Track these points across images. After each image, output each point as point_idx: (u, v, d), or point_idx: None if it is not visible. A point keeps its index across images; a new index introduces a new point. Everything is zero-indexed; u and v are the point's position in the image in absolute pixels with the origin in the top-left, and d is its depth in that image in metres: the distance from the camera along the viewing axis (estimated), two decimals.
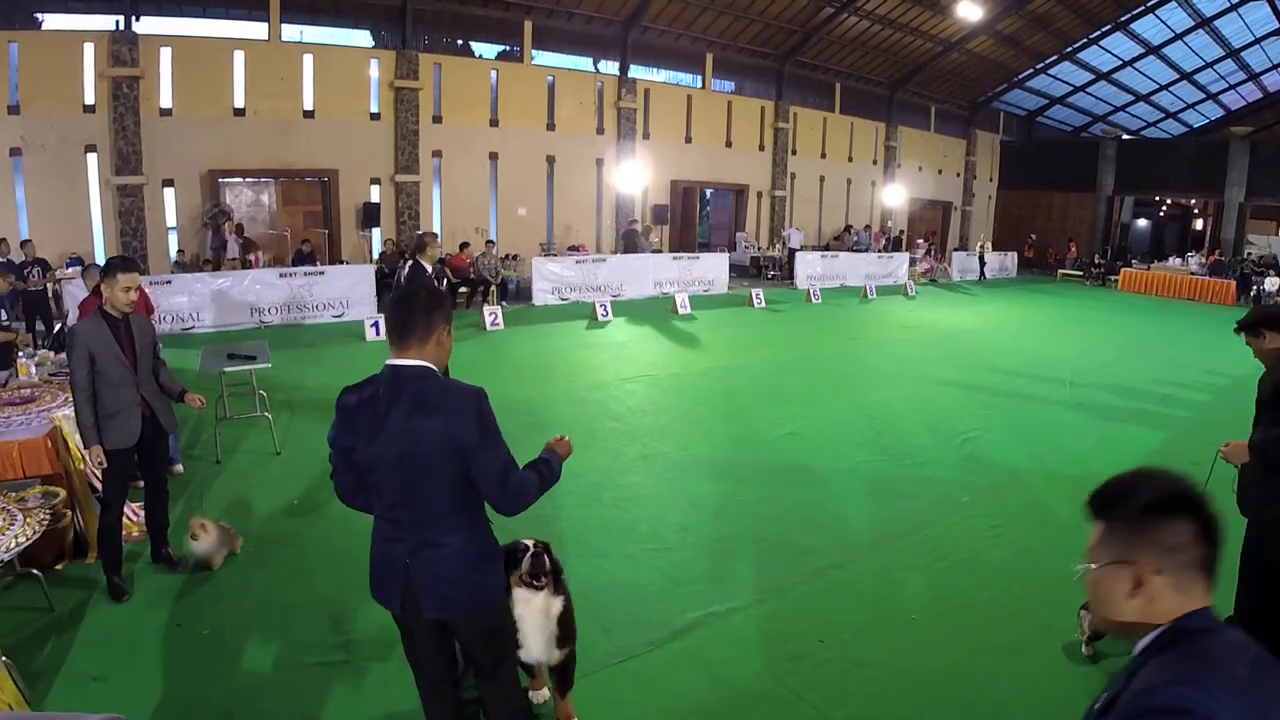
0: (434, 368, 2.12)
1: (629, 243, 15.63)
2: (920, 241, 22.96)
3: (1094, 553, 1.21)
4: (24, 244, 10.01)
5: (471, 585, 2.15)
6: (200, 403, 4.05)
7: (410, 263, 6.47)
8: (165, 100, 12.80)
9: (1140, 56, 23.19)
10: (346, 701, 2.98)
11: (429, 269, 6.37)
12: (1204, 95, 25.95)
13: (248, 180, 14.21)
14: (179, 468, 5.26)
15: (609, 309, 12.48)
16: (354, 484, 2.21)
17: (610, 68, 17.66)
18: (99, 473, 3.73)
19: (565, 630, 2.65)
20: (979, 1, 17.67)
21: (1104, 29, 21.71)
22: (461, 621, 2.21)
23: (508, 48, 16.49)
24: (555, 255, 15.54)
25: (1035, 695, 3.14)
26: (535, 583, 2.57)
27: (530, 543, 2.63)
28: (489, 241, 14.17)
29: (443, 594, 2.12)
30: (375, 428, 2.07)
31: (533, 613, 2.58)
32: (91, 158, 12.36)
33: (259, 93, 13.51)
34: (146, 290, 5.40)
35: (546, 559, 2.61)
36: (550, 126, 16.83)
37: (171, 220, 13.28)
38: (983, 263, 21.64)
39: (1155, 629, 1.14)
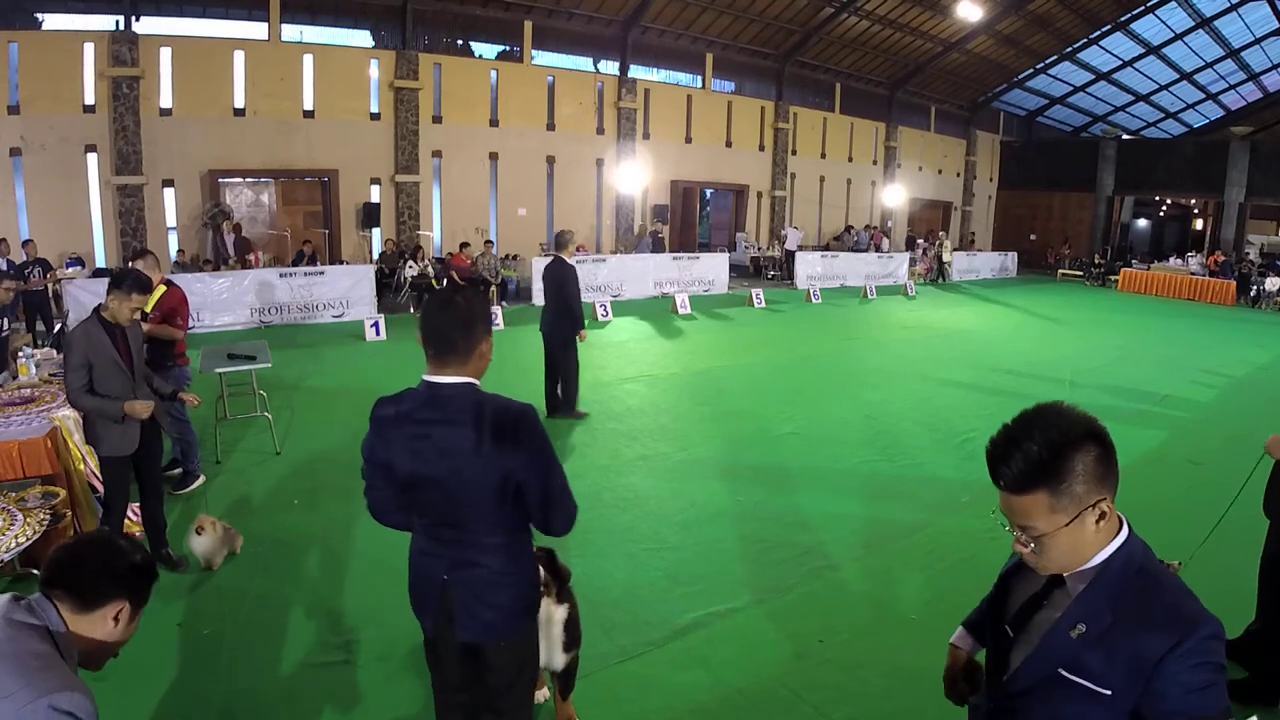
0: (476, 382, 1.99)
1: (656, 246, 16.65)
2: (920, 241, 22.94)
3: (1046, 521, 1.24)
4: (25, 244, 10.01)
5: (507, 610, 2.05)
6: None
7: (552, 259, 6.96)
8: (165, 100, 12.81)
9: (1140, 56, 23.19)
10: (346, 701, 2.97)
11: (572, 263, 6.79)
12: (1204, 95, 25.94)
13: (248, 180, 14.22)
14: (200, 480, 5.10)
15: (609, 309, 12.49)
16: (391, 500, 2.08)
17: (610, 68, 17.66)
18: (98, 473, 3.73)
19: (571, 635, 2.64)
20: (979, 1, 17.67)
21: (1104, 29, 21.71)
22: (491, 647, 2.09)
23: (508, 48, 16.49)
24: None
25: None
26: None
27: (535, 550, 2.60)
28: (487, 242, 14.17)
29: (479, 616, 2.02)
30: (419, 446, 1.95)
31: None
32: (91, 158, 12.36)
33: (259, 93, 13.51)
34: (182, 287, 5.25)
35: (551, 578, 2.55)
36: (550, 126, 16.83)
37: (171, 220, 13.28)
38: (941, 261, 20.30)
39: (1101, 550, 1.24)
